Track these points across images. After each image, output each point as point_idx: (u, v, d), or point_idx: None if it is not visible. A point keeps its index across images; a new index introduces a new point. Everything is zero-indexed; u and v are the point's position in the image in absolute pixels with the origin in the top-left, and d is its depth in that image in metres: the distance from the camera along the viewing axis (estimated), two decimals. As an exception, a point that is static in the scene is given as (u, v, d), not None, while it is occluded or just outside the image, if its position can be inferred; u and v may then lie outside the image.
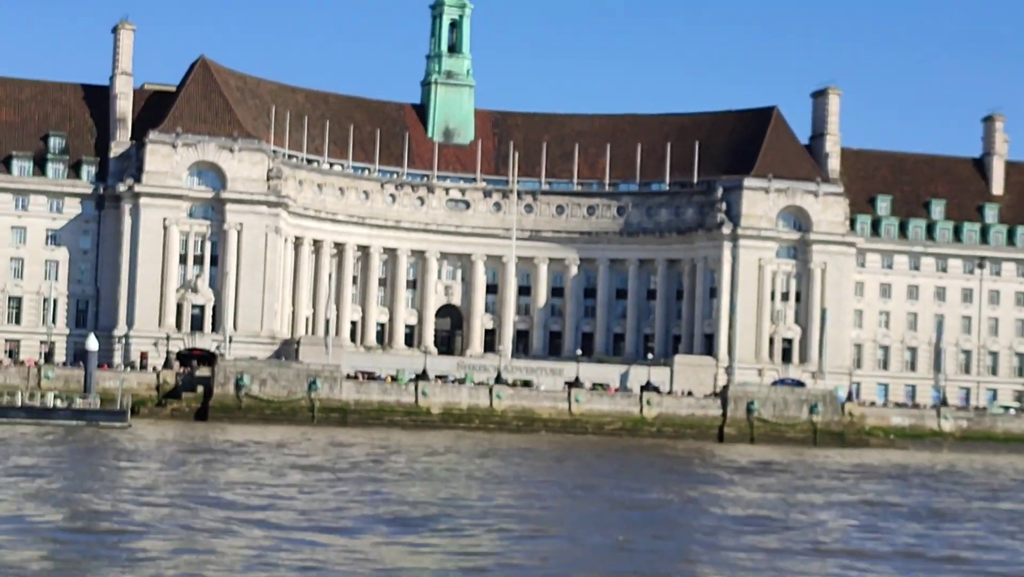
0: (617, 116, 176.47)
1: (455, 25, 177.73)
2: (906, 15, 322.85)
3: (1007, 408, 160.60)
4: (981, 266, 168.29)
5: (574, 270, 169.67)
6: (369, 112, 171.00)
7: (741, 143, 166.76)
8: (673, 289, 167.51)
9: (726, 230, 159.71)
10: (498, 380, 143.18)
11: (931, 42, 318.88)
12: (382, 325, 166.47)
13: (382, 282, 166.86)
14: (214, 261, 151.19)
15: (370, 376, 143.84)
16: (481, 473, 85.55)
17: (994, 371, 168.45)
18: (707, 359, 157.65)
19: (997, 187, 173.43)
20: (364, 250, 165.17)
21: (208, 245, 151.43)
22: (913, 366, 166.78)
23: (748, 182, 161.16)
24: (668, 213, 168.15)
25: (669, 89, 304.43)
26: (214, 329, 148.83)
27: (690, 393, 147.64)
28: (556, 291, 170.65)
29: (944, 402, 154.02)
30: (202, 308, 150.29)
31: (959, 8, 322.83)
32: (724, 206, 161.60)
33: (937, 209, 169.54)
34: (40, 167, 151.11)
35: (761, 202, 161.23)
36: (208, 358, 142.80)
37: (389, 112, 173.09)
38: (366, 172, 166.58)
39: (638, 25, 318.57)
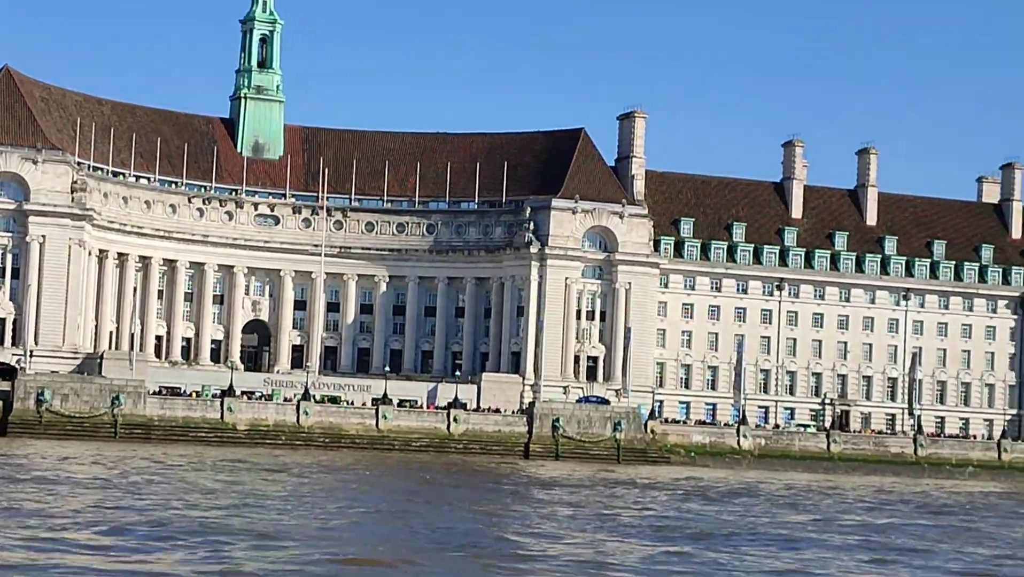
0: (427, 134, 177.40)
1: (265, 40, 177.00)
2: (711, 41, 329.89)
3: (804, 427, 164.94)
4: (780, 288, 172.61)
5: (383, 287, 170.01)
6: (177, 125, 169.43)
7: (549, 164, 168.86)
8: (481, 307, 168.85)
9: (534, 249, 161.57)
10: (305, 396, 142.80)
11: (735, 68, 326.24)
12: (188, 340, 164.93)
13: (188, 297, 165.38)
14: (15, 274, 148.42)
15: (175, 392, 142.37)
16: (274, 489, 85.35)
17: (791, 391, 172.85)
18: (514, 376, 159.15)
19: (796, 211, 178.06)
20: (170, 264, 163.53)
21: (10, 258, 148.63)
22: (714, 385, 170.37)
23: (556, 202, 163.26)
24: (477, 232, 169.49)
25: (479, 109, 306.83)
26: (15, 343, 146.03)
27: (497, 410, 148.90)
28: (365, 308, 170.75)
29: (743, 420, 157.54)
30: (3, 321, 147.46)
31: (762, 35, 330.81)
32: (532, 225, 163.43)
33: (738, 232, 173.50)
34: None
35: (568, 222, 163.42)
36: (8, 372, 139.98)
37: (197, 126, 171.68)
38: (173, 186, 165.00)
39: (450, 45, 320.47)
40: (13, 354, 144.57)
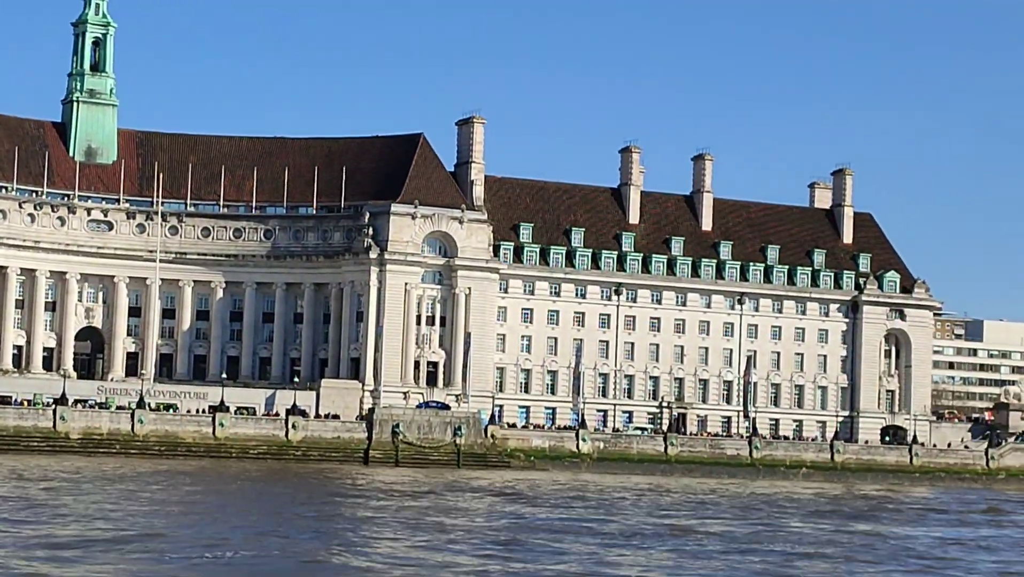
0: (265, 139, 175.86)
1: (98, 43, 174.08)
2: (549, 47, 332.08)
3: (642, 430, 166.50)
4: (618, 292, 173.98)
5: (220, 293, 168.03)
6: (8, 129, 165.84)
7: (388, 169, 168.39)
8: (320, 313, 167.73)
9: (373, 255, 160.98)
10: (140, 404, 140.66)
11: (573, 74, 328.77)
12: (19, 348, 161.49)
13: (19, 304, 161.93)
14: None
15: (6, 400, 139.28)
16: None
17: (630, 394, 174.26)
18: (353, 383, 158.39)
19: (634, 216, 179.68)
20: (1, 271, 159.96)
21: None
22: (553, 389, 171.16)
23: (395, 208, 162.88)
24: (315, 237, 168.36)
25: (318, 114, 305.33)
26: None
27: (336, 416, 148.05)
28: (201, 314, 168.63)
29: (583, 424, 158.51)
30: None
31: (599, 41, 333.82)
32: (371, 231, 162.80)
33: (577, 237, 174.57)
34: None
35: (408, 228, 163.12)
36: None
37: (28, 129, 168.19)
38: (4, 191, 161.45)
39: (288, 48, 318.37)
40: None
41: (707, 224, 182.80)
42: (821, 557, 67.76)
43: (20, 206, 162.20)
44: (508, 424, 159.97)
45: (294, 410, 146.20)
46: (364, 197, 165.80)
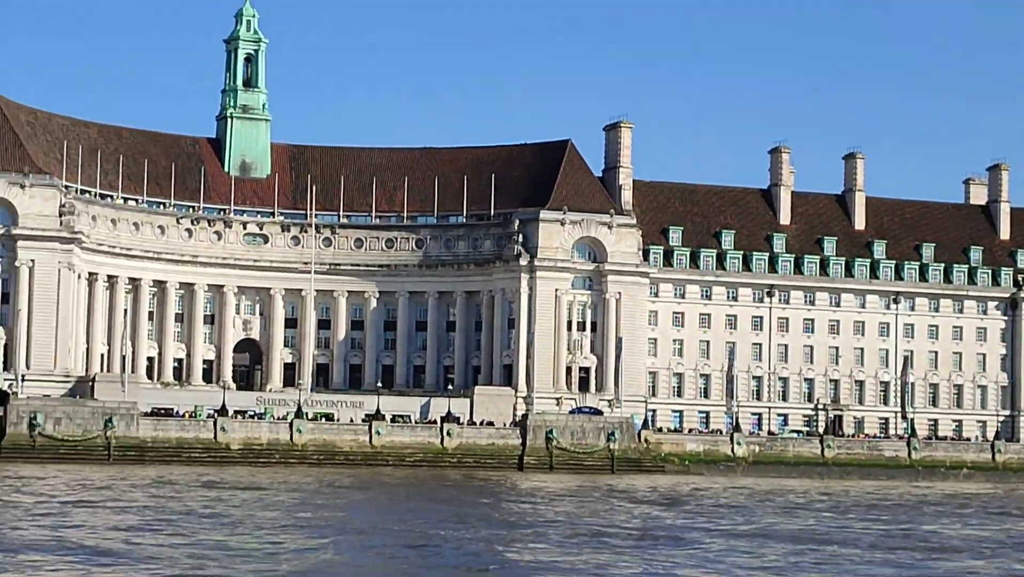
0: (414, 149, 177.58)
1: (250, 59, 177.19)
2: (697, 49, 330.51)
3: (797, 432, 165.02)
4: (770, 294, 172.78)
5: (373, 303, 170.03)
6: (164, 146, 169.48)
7: (537, 176, 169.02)
8: (472, 320, 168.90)
9: (523, 261, 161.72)
10: (298, 414, 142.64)
11: (720, 76, 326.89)
12: (179, 361, 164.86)
13: (179, 317, 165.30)
14: (5, 299, 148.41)
15: (168, 413, 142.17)
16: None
17: (784, 397, 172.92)
18: (506, 389, 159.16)
19: (784, 217, 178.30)
20: (160, 285, 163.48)
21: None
22: (706, 393, 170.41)
23: (544, 214, 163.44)
24: (466, 245, 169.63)
25: (466, 123, 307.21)
26: (6, 368, 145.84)
27: (490, 423, 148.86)
28: (356, 324, 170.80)
29: (737, 428, 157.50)
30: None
31: (747, 42, 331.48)
32: (521, 238, 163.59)
33: (727, 239, 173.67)
34: None
35: (557, 234, 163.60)
36: (1, 397, 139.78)
37: (184, 146, 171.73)
38: (162, 207, 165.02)
39: (436, 59, 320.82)
40: (4, 379, 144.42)
41: (860, 223, 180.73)
42: None
43: (178, 221, 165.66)
44: (661, 428, 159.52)
45: (448, 417, 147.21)
46: (513, 204, 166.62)
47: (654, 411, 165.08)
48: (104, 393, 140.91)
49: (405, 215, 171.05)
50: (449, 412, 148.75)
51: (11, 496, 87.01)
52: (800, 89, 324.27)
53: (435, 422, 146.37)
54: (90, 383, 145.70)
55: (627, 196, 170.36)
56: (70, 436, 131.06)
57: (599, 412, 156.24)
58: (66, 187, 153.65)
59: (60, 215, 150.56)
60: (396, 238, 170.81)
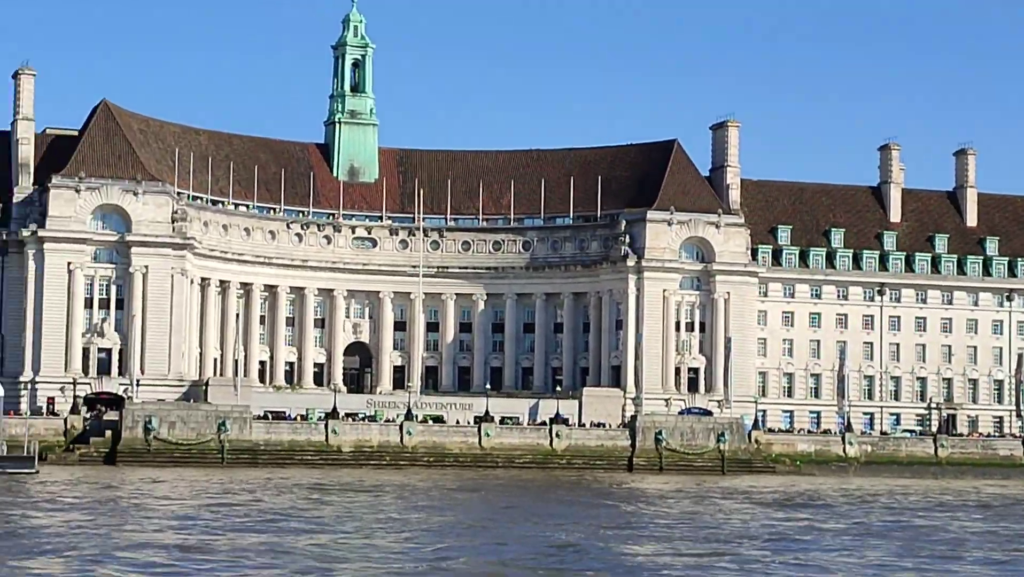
0: (521, 151, 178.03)
1: (357, 65, 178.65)
2: (802, 47, 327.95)
3: (910, 432, 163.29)
4: (881, 293, 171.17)
5: (481, 305, 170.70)
6: (273, 152, 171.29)
7: (643, 176, 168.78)
8: (580, 322, 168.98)
9: (630, 262, 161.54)
10: (408, 416, 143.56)
11: (828, 73, 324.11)
12: (291, 364, 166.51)
13: (290, 321, 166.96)
14: (120, 304, 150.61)
15: (280, 416, 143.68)
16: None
17: (896, 396, 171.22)
18: (615, 390, 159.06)
19: (895, 215, 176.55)
20: (271, 290, 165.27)
21: (114, 288, 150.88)
22: (817, 393, 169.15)
23: (651, 215, 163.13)
24: (573, 247, 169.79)
25: (571, 124, 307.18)
26: (121, 373, 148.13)
27: (599, 424, 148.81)
28: (464, 326, 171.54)
29: (848, 427, 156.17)
30: (109, 352, 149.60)
31: (854, 40, 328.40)
32: (628, 239, 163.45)
33: (837, 237, 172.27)
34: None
35: (664, 234, 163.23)
36: (116, 402, 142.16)
37: (293, 152, 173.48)
38: (272, 212, 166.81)
39: (539, 61, 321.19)
40: (120, 384, 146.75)
41: (972, 220, 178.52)
42: None
43: (288, 227, 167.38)
44: (772, 429, 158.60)
45: (557, 419, 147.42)
46: (620, 205, 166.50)
47: (764, 411, 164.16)
48: (217, 397, 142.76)
49: (512, 217, 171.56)
50: (558, 414, 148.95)
51: (146, 500, 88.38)
52: (910, 85, 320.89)
53: (544, 424, 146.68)
54: (203, 387, 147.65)
55: (735, 195, 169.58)
56: (184, 440, 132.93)
57: (708, 413, 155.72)
58: (178, 194, 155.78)
59: (173, 221, 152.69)
60: (503, 240, 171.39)
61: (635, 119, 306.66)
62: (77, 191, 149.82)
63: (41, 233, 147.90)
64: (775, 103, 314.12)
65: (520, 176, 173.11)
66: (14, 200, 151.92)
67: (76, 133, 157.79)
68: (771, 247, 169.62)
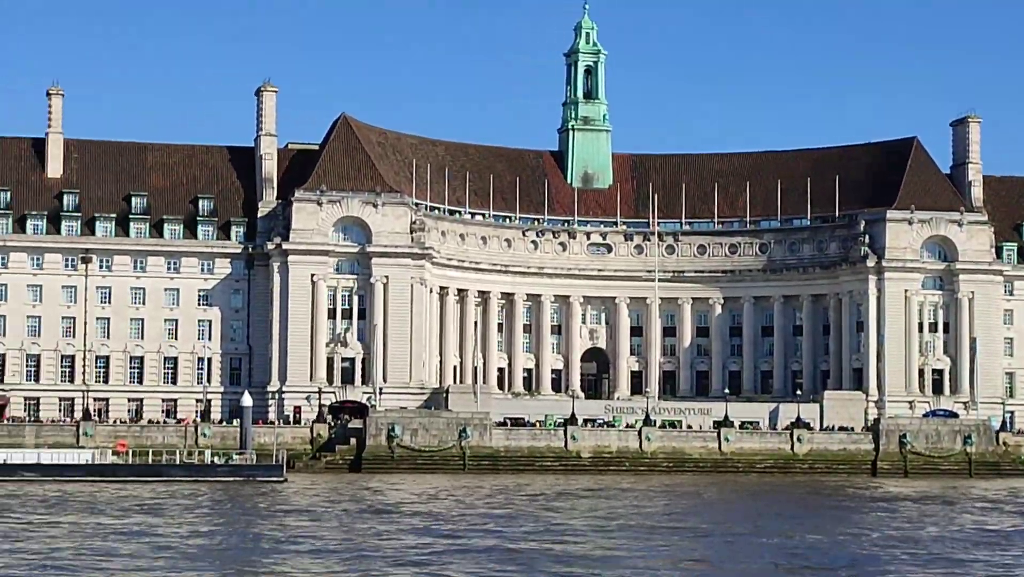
0: (755, 153, 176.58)
1: (590, 71, 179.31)
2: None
3: None
4: None
5: (718, 309, 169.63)
6: (508, 161, 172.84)
7: (882, 175, 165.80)
8: (819, 324, 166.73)
9: (870, 263, 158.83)
10: (646, 422, 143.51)
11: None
12: (529, 371, 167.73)
13: (527, 328, 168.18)
14: (362, 314, 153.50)
15: (519, 422, 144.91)
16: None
17: None
18: (857, 393, 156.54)
19: None
20: (508, 297, 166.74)
21: (355, 299, 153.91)
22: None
23: (891, 214, 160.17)
24: (811, 248, 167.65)
25: (806, 124, 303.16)
26: (364, 381, 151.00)
27: (842, 428, 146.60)
28: (701, 330, 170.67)
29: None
30: (352, 361, 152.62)
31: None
32: (867, 239, 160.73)
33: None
34: (191, 229, 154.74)
35: (904, 234, 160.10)
36: (359, 410, 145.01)
37: (528, 160, 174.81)
38: (507, 220, 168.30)
39: (771, 63, 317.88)
40: (363, 392, 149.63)
41: None
42: None
43: (523, 234, 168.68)
44: (1021, 430, 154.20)
45: (798, 423, 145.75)
46: (857, 205, 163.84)
47: (1012, 412, 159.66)
48: (458, 404, 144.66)
49: (748, 220, 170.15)
50: (799, 418, 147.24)
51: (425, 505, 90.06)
52: None
53: (785, 428, 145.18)
54: (444, 394, 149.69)
55: (977, 192, 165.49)
56: (426, 447, 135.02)
57: (954, 415, 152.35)
58: (416, 204, 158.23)
59: (411, 232, 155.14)
60: (739, 243, 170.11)
61: (869, 118, 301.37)
62: (319, 204, 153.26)
63: (285, 246, 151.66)
64: (1017, 98, 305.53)
65: (755, 178, 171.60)
66: (259, 214, 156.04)
67: (317, 147, 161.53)
68: (1016, 244, 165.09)
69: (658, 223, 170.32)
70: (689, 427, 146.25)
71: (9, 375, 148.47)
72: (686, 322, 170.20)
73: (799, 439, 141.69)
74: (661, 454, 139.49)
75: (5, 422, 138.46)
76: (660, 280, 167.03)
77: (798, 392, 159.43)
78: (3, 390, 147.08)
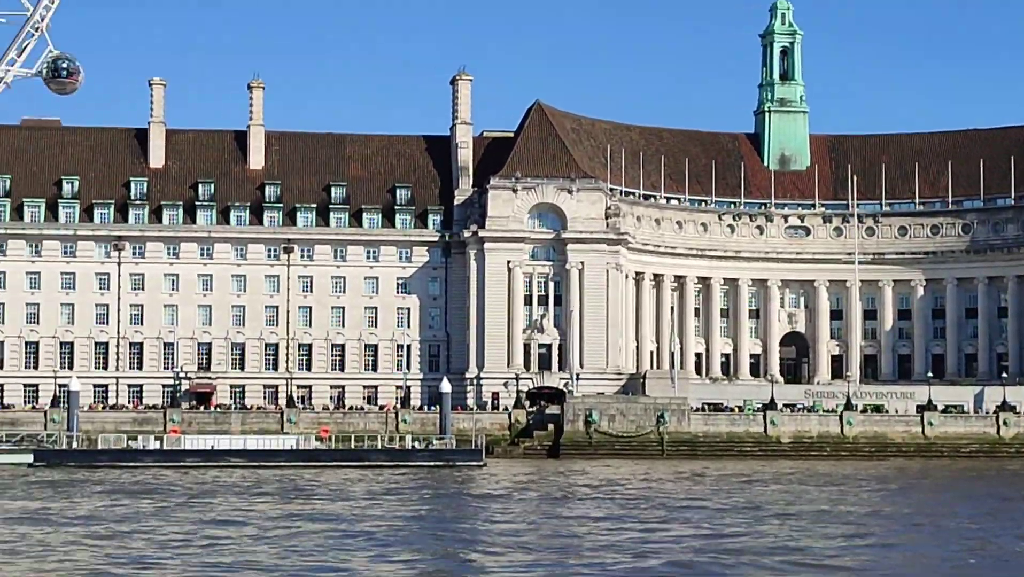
0: (957, 132, 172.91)
1: (786, 52, 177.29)
2: None
3: None
4: None
5: (920, 291, 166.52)
6: (703, 144, 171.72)
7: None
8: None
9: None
10: (848, 406, 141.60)
11: None
12: (726, 356, 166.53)
13: (724, 313, 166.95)
14: (558, 301, 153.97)
15: (717, 407, 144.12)
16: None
17: None
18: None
19: None
20: (704, 282, 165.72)
21: (551, 285, 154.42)
22: None
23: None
24: (1015, 228, 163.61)
25: (1008, 102, 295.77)
26: (561, 367, 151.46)
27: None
28: (903, 313, 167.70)
29: None
30: (548, 347, 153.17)
31: None
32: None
33: None
34: (389, 218, 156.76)
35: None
36: (557, 396, 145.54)
37: (723, 143, 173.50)
38: (703, 204, 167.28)
39: (971, 37, 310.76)
40: (560, 378, 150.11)
41: None
42: None
43: (719, 218, 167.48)
44: None
45: (1004, 406, 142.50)
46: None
47: None
48: (655, 389, 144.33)
49: (950, 200, 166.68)
50: (1005, 401, 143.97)
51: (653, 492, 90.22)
52: None
53: (991, 412, 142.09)
54: (641, 380, 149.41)
55: None
56: (624, 432, 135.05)
57: None
58: (611, 190, 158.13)
59: (606, 217, 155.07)
60: (941, 224, 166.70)
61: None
62: (514, 191, 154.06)
63: (481, 233, 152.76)
64: None
65: (957, 157, 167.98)
66: (455, 202, 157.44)
67: (512, 135, 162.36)
68: None
69: (857, 204, 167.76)
70: (893, 411, 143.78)
71: (215, 363, 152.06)
72: (887, 305, 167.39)
73: (1005, 422, 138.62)
74: (863, 439, 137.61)
75: (212, 409, 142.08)
76: (860, 262, 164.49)
77: (1004, 375, 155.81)
78: (210, 378, 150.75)
